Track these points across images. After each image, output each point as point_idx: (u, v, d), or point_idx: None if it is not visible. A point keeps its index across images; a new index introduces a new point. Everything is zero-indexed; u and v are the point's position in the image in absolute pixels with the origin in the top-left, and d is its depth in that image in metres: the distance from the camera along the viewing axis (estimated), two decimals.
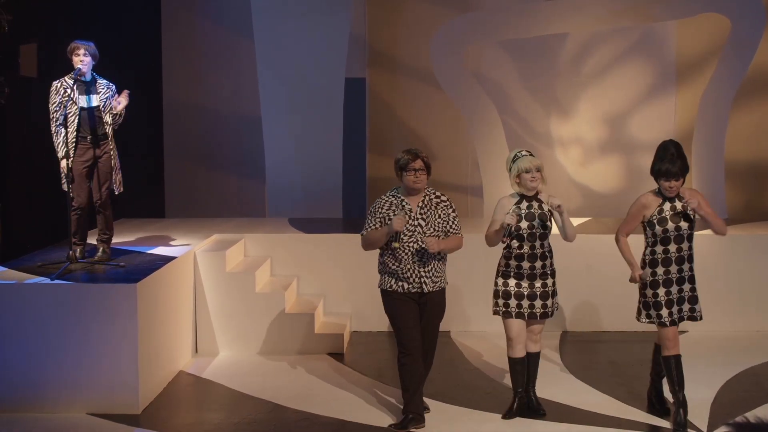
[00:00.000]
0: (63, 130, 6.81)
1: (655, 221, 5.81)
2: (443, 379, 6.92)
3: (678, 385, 5.82)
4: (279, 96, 10.06)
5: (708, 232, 8.72)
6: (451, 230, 5.96)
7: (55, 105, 6.87)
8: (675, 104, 10.67)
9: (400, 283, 5.92)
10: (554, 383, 6.73)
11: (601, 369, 7.18)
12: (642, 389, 6.43)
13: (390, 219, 5.87)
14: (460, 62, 10.05)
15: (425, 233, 5.87)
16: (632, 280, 5.93)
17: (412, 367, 5.94)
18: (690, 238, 5.85)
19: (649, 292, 5.88)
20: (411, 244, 5.88)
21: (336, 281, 8.47)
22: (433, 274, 5.94)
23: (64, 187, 6.89)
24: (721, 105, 9.83)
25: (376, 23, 10.78)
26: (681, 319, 5.89)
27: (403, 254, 5.88)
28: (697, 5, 9.93)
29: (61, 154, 6.84)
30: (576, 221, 9.58)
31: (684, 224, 5.80)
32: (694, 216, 5.81)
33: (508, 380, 6.78)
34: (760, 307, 8.43)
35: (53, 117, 6.88)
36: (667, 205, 5.81)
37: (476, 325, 8.39)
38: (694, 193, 5.89)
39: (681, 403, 5.82)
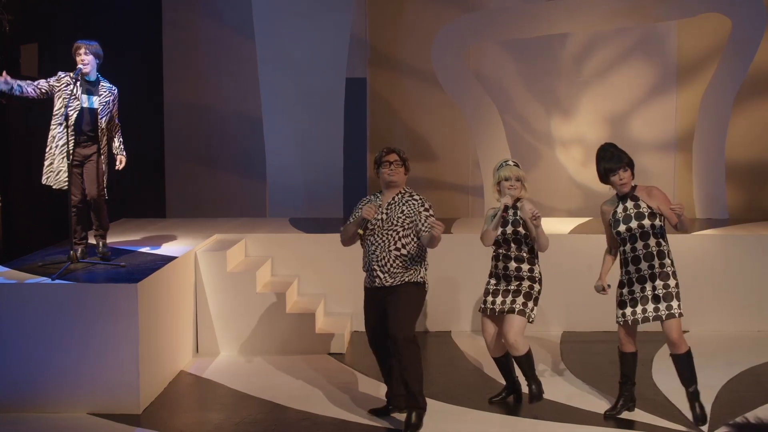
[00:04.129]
0: (59, 127, 6.81)
1: (612, 223, 5.98)
2: (443, 379, 6.92)
3: (625, 377, 6.10)
4: (280, 96, 10.06)
5: (709, 231, 8.77)
6: (424, 229, 5.87)
7: (48, 81, 6.84)
8: (676, 104, 10.67)
9: (365, 278, 6.08)
10: (554, 383, 6.74)
11: (601, 369, 7.17)
12: (642, 389, 6.43)
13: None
14: (461, 62, 10.05)
15: (383, 227, 5.92)
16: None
17: (378, 361, 6.19)
18: (644, 236, 5.86)
19: (617, 291, 6.04)
20: (369, 237, 5.97)
21: (337, 281, 8.48)
22: (389, 270, 5.91)
23: (44, 179, 6.88)
24: (722, 105, 9.83)
25: (377, 23, 10.78)
26: (637, 321, 5.91)
27: (365, 245, 6.00)
28: (698, 5, 9.93)
29: (12, 85, 6.78)
30: (577, 221, 9.61)
31: (634, 224, 5.88)
32: (650, 214, 5.85)
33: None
34: (761, 307, 8.43)
35: (39, 82, 6.82)
36: (620, 207, 5.96)
37: (476, 325, 8.40)
38: (653, 192, 5.95)
39: (627, 393, 6.12)
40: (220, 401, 6.60)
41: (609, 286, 6.12)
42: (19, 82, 6.80)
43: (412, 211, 5.93)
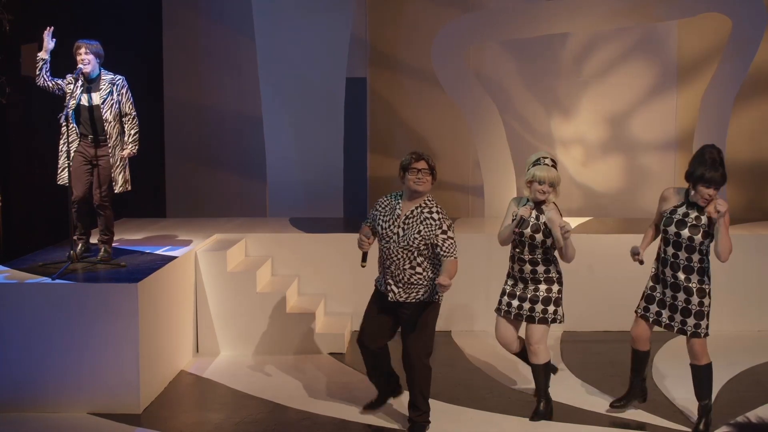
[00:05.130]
0: (64, 128, 6.81)
1: (665, 218, 5.75)
2: (443, 379, 6.92)
3: (634, 372, 6.10)
4: (280, 95, 10.06)
5: None
6: (442, 253, 5.64)
7: (62, 79, 6.87)
8: (676, 104, 10.67)
9: (378, 279, 5.98)
10: (554, 383, 6.72)
11: (601, 369, 7.18)
12: None
13: (375, 217, 5.89)
14: (461, 62, 10.05)
15: (399, 243, 5.70)
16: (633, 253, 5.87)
17: (363, 355, 6.11)
18: (690, 249, 5.66)
19: (647, 283, 5.93)
20: (384, 250, 5.79)
21: (337, 281, 8.48)
22: (404, 287, 5.74)
23: (60, 179, 6.89)
24: (723, 104, 9.82)
25: (377, 23, 10.78)
26: (658, 322, 5.86)
27: (380, 250, 5.85)
28: (699, 5, 9.93)
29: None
30: (577, 221, 9.61)
31: (685, 233, 5.65)
32: (704, 232, 5.62)
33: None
34: (761, 307, 8.44)
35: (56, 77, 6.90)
36: (682, 209, 5.71)
37: (476, 325, 8.40)
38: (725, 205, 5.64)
39: (636, 387, 6.14)
40: (220, 401, 6.60)
41: (643, 262, 5.83)
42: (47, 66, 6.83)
43: (429, 234, 5.65)
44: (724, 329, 8.29)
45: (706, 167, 5.50)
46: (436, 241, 5.64)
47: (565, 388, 6.73)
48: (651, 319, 5.89)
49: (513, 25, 10.11)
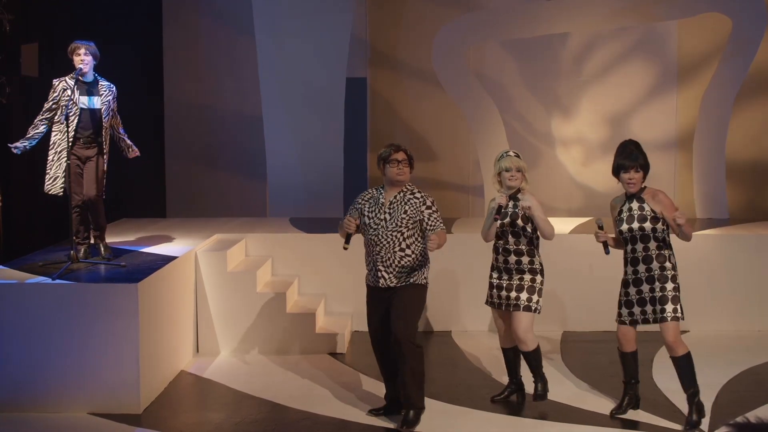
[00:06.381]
0: (52, 126, 6.81)
1: (617, 221, 6.04)
2: (443, 379, 6.92)
3: (628, 376, 6.13)
4: (280, 95, 10.06)
5: (709, 231, 8.77)
6: (429, 227, 5.90)
7: (50, 103, 6.85)
8: (676, 104, 10.67)
9: (368, 276, 6.09)
10: (554, 383, 6.73)
11: (601, 369, 7.18)
12: (642, 389, 6.42)
13: (360, 210, 6.06)
14: (461, 62, 10.05)
15: (387, 227, 5.91)
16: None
17: (379, 361, 6.20)
18: (645, 238, 5.90)
19: (620, 290, 6.07)
20: (372, 236, 5.98)
21: (337, 281, 8.48)
22: (394, 271, 5.92)
23: (52, 189, 6.89)
24: (723, 104, 9.82)
25: (377, 23, 10.78)
26: (636, 321, 5.96)
27: (367, 242, 6.03)
28: (699, 5, 9.92)
29: (26, 145, 6.87)
30: (577, 221, 9.61)
31: (635, 225, 5.92)
32: (652, 218, 5.89)
33: (508, 380, 6.79)
34: (761, 307, 8.43)
35: (43, 111, 6.86)
36: (626, 206, 6.01)
37: (476, 325, 8.40)
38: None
39: (629, 391, 6.16)
40: (220, 401, 6.60)
41: (601, 225, 6.10)
42: (27, 137, 6.85)
43: (414, 211, 5.93)
44: (724, 329, 8.30)
45: (622, 157, 6.00)
46: (422, 216, 5.92)
47: (565, 388, 6.74)
48: (629, 320, 6.00)
49: (513, 25, 10.11)
